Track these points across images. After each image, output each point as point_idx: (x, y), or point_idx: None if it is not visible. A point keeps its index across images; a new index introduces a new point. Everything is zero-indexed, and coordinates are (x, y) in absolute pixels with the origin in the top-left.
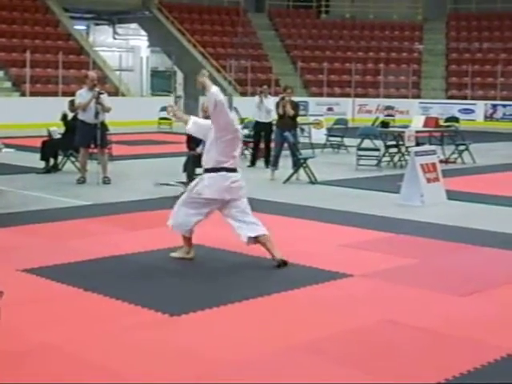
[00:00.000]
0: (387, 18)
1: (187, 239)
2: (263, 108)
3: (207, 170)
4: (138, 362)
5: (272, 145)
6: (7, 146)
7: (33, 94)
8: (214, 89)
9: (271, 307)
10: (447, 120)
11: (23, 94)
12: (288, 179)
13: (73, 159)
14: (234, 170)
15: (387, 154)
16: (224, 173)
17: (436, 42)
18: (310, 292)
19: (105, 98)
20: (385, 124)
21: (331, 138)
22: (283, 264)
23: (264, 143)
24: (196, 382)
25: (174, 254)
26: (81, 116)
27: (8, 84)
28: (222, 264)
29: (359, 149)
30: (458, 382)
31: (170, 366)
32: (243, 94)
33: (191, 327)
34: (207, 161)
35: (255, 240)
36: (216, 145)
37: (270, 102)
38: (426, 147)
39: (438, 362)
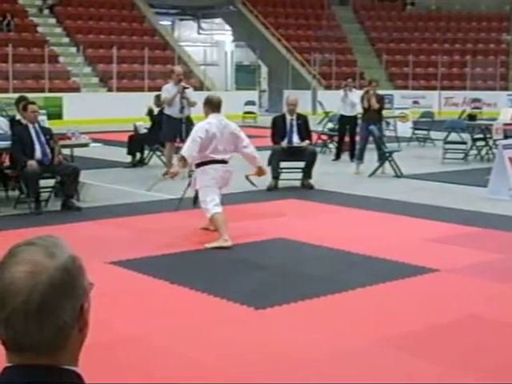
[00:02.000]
0: (474, 8)
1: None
2: (348, 101)
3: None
4: (224, 355)
5: (357, 138)
6: (95, 140)
7: (119, 89)
8: None
9: (356, 301)
10: None
11: (110, 90)
12: (373, 173)
13: (159, 153)
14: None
15: (474, 148)
16: None
17: None
18: (395, 286)
19: (190, 92)
20: (472, 117)
21: (417, 132)
22: None
23: (349, 137)
24: (281, 380)
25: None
26: (166, 110)
27: (95, 80)
28: (305, 257)
29: (446, 142)
30: None
31: (256, 360)
32: (328, 87)
33: (277, 321)
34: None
35: None
36: None
37: (355, 95)
38: None
39: None
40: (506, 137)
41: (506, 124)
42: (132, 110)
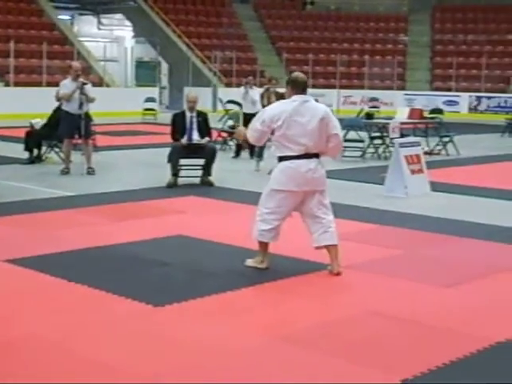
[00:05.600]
0: (372, 9)
1: (264, 245)
2: (248, 99)
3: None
4: (123, 352)
5: None
6: None
7: (17, 84)
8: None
9: (255, 298)
10: (432, 112)
11: (7, 84)
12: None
13: (57, 150)
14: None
15: (372, 146)
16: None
17: (421, 34)
18: (294, 283)
19: (89, 88)
20: (369, 115)
21: None
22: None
23: None
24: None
25: (247, 263)
26: (65, 107)
27: None
28: (204, 254)
29: (344, 140)
30: (441, 372)
31: (154, 356)
32: (228, 85)
33: (176, 318)
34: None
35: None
36: None
37: (256, 93)
38: (411, 139)
39: (422, 352)
40: (402, 135)
41: (402, 123)
42: (30, 105)
